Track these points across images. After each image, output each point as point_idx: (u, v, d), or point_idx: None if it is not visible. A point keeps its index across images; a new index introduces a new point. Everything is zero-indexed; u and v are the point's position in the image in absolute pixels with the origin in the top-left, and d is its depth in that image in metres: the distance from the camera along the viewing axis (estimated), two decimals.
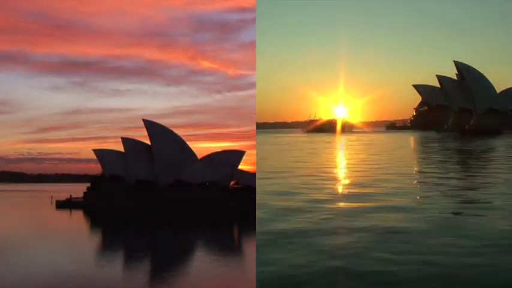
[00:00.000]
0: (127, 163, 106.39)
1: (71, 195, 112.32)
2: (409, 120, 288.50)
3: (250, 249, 46.41)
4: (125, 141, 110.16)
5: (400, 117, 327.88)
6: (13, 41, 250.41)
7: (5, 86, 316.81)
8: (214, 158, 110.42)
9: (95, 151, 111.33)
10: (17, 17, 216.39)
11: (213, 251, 48.68)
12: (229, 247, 52.69)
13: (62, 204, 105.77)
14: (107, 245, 53.84)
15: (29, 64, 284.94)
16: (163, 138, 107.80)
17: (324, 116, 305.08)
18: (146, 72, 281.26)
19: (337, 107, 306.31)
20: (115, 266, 38.93)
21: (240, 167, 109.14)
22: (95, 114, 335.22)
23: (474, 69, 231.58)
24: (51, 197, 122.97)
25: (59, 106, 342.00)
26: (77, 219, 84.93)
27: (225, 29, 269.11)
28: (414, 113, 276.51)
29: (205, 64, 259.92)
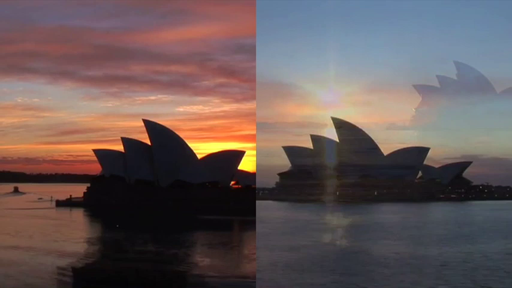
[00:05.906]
0: (127, 163, 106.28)
1: (71, 195, 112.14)
2: (409, 121, 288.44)
3: (250, 247, 46.43)
4: (125, 141, 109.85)
5: (400, 118, 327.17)
6: (70, 62, 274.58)
7: (47, 95, 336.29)
8: (214, 158, 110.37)
9: (95, 151, 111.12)
10: (78, 45, 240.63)
11: (213, 250, 48.70)
12: (229, 246, 52.65)
13: (61, 204, 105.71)
14: (107, 243, 53.84)
15: (74, 79, 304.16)
16: (163, 139, 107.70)
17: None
18: (178, 84, 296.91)
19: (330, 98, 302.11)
20: (117, 263, 38.87)
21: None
22: (116, 119, 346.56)
23: (474, 69, 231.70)
24: (51, 197, 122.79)
25: (87, 112, 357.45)
26: (77, 218, 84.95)
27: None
28: (414, 113, 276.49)
29: (234, 78, 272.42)
